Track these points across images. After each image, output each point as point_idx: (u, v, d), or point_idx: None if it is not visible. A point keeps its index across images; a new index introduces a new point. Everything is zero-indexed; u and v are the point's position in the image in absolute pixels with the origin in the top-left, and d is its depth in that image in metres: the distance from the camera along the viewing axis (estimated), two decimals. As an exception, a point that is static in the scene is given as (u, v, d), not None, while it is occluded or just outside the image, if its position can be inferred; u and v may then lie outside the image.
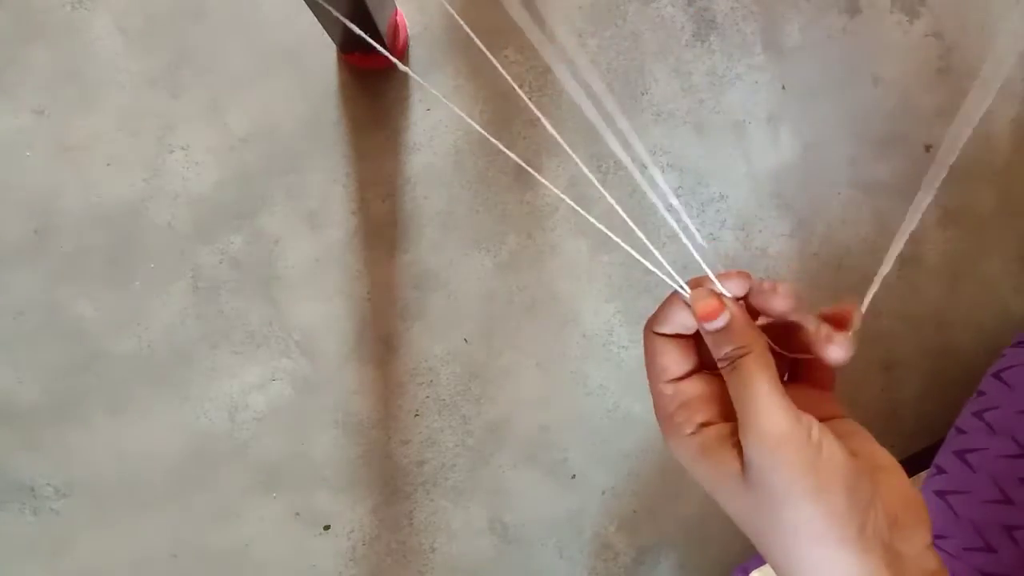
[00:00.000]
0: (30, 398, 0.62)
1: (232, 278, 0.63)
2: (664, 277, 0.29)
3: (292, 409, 0.64)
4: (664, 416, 0.30)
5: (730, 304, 0.29)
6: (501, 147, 0.29)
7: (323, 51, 0.63)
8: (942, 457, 0.58)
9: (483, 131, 0.29)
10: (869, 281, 0.32)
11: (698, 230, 0.71)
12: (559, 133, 0.72)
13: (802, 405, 0.27)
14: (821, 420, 0.27)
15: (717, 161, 0.67)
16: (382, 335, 0.65)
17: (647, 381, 0.31)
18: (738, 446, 0.27)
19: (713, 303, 0.29)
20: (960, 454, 0.56)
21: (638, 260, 0.31)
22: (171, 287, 0.63)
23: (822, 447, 0.26)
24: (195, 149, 0.62)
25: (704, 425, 0.29)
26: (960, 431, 0.58)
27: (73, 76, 0.61)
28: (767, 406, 0.26)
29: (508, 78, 0.29)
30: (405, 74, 0.64)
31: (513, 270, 0.66)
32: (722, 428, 0.28)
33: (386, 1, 0.56)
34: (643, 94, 0.67)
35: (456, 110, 0.29)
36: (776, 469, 0.26)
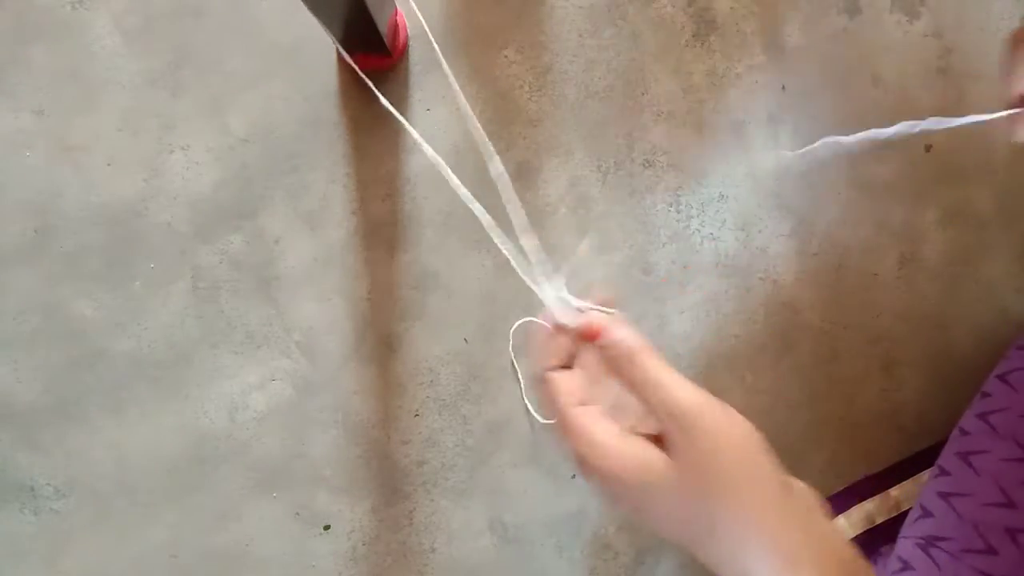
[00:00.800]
0: (30, 398, 0.62)
1: (232, 278, 0.63)
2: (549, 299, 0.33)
3: (292, 409, 0.64)
4: (583, 440, 0.31)
5: (602, 311, 0.32)
6: (466, 173, 0.29)
7: (323, 51, 0.63)
8: (945, 458, 0.58)
9: (429, 147, 0.29)
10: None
11: (698, 230, 0.71)
12: (559, 133, 0.72)
13: None
14: None
15: (717, 161, 0.67)
16: (382, 335, 0.65)
17: (555, 417, 0.32)
18: (652, 440, 0.30)
19: (597, 323, 0.32)
20: (963, 456, 0.56)
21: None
22: (171, 287, 0.63)
23: (727, 407, 0.30)
24: (195, 149, 0.62)
25: (620, 433, 0.31)
26: (963, 432, 0.58)
27: (73, 76, 0.61)
28: (677, 383, 0.29)
29: (461, 94, 0.29)
30: (405, 74, 0.64)
31: (513, 270, 0.66)
32: (636, 435, 0.30)
33: (386, 1, 0.56)
34: (643, 94, 0.67)
35: (427, 146, 0.29)
36: (703, 433, 0.28)
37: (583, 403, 0.32)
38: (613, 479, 0.30)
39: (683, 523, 0.30)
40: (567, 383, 0.32)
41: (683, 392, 0.29)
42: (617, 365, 0.31)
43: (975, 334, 0.72)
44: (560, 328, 0.33)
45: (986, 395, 0.59)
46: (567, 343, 0.33)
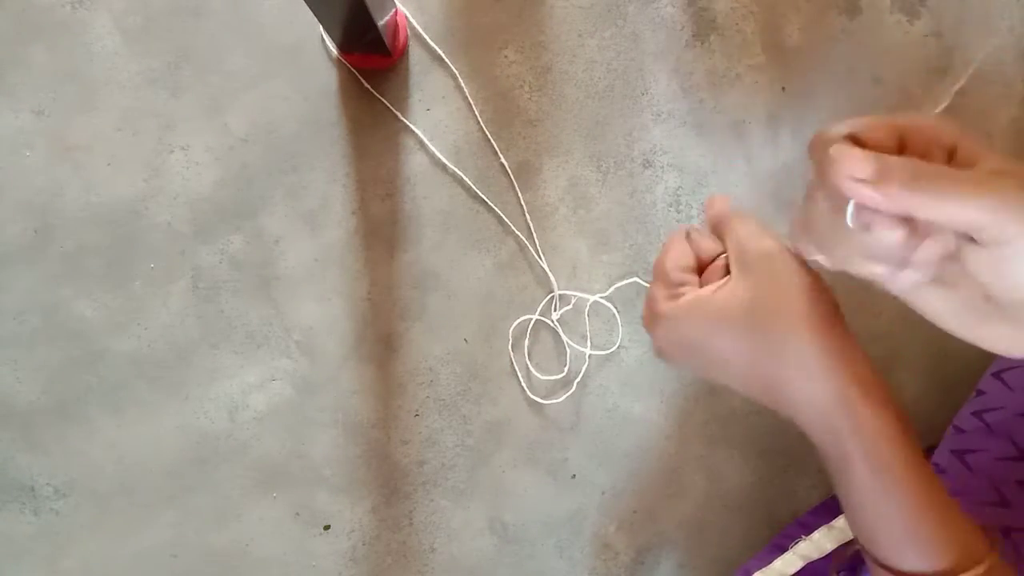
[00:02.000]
0: (30, 398, 0.62)
1: (232, 278, 0.63)
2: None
3: (292, 409, 0.64)
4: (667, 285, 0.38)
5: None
6: (462, 176, 0.29)
7: (323, 51, 0.63)
8: (940, 455, 0.57)
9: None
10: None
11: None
12: (559, 133, 0.72)
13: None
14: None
15: (717, 161, 0.67)
16: (382, 335, 0.65)
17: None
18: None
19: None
20: (959, 454, 0.56)
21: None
22: (171, 287, 0.63)
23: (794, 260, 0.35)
24: (195, 149, 0.62)
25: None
26: (959, 430, 0.58)
27: (73, 76, 0.61)
28: (754, 234, 0.36)
29: (465, 89, 0.29)
30: (405, 74, 0.64)
31: (513, 270, 0.66)
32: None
33: (386, 1, 0.56)
34: (643, 94, 0.67)
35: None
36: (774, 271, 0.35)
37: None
38: (690, 310, 0.35)
39: (751, 353, 0.34)
40: (677, 251, 0.39)
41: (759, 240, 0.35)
42: (715, 228, 0.38)
43: (975, 334, 0.72)
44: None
45: (981, 392, 0.59)
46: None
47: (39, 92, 0.61)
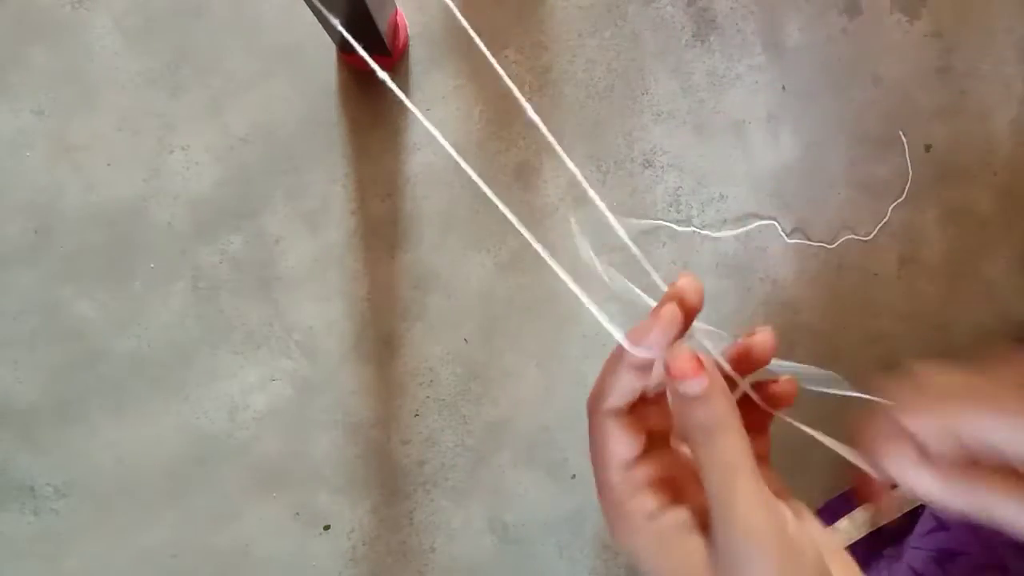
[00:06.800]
0: (30, 398, 0.62)
1: (232, 278, 0.63)
2: (609, 328, 0.26)
3: (292, 409, 0.64)
4: (614, 507, 0.27)
5: (709, 364, 0.26)
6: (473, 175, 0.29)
7: (323, 51, 0.63)
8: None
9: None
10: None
11: (698, 229, 0.71)
12: (559, 133, 0.72)
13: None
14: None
15: (717, 161, 0.67)
16: (382, 335, 0.65)
17: (592, 467, 0.28)
18: (702, 532, 0.26)
19: (692, 361, 0.25)
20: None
21: (639, 264, 0.30)
22: (171, 287, 0.63)
23: (795, 539, 0.25)
24: (195, 149, 0.62)
25: (658, 511, 0.27)
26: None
27: (73, 76, 0.61)
28: (748, 496, 0.24)
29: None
30: (405, 74, 0.64)
31: (513, 270, 0.66)
32: (680, 514, 0.26)
33: (386, 1, 0.56)
34: (643, 94, 0.67)
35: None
36: (753, 562, 0.24)
37: (629, 467, 0.28)
38: (638, 553, 0.27)
39: None
40: (615, 439, 0.28)
41: (752, 510, 0.24)
42: (688, 428, 0.26)
43: (975, 334, 0.72)
44: (620, 356, 0.27)
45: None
46: (631, 375, 0.27)
47: (39, 92, 0.61)
